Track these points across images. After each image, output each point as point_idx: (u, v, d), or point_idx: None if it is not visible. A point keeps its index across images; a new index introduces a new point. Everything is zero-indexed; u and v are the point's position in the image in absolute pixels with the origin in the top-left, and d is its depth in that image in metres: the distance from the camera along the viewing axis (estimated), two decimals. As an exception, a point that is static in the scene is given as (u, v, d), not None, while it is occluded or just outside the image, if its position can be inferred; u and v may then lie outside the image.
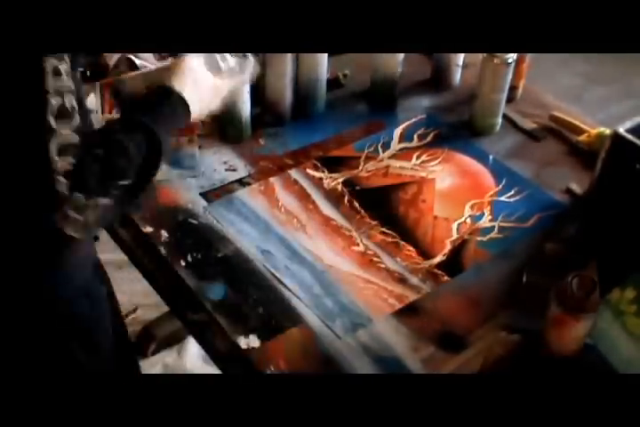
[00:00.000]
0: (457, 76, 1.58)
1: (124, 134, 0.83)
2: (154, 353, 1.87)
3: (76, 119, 0.74)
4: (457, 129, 1.48)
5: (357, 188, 1.33)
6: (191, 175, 1.33)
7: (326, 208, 1.29)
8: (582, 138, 1.43)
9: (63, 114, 0.72)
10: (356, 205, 1.30)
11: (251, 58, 1.06)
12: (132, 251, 1.27)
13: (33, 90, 0.69)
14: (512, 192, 1.34)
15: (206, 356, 1.64)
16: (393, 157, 1.40)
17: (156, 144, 0.85)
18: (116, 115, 1.35)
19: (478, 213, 1.30)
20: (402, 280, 1.17)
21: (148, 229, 1.22)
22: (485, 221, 1.28)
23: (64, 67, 0.74)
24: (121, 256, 1.27)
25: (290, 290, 1.14)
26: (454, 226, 1.27)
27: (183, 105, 0.95)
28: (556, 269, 1.08)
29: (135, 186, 0.85)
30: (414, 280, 1.17)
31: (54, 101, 0.71)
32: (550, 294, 1.02)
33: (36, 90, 0.70)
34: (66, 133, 0.73)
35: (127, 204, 0.86)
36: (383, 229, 1.26)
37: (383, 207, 1.30)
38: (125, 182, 0.83)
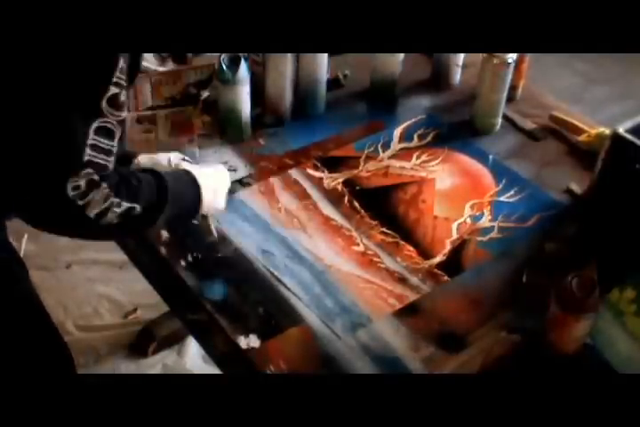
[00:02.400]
0: (457, 76, 1.58)
1: (143, 174, 1.02)
2: (154, 353, 1.87)
3: (125, 111, 0.88)
4: (457, 129, 1.47)
5: (357, 188, 1.33)
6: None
7: (326, 208, 1.29)
8: (582, 138, 1.43)
9: (113, 103, 0.85)
10: (356, 205, 1.30)
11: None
12: (132, 251, 1.27)
13: (103, 78, 0.84)
14: (512, 192, 1.34)
15: (206, 356, 1.65)
16: (393, 157, 1.40)
17: (163, 193, 1.00)
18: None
19: (478, 213, 1.30)
20: (402, 280, 1.17)
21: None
22: (485, 222, 1.28)
23: (124, 65, 0.87)
24: (121, 256, 1.28)
25: (290, 290, 1.14)
26: (454, 226, 1.27)
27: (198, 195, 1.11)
28: (555, 269, 1.08)
29: (141, 217, 0.98)
30: (414, 280, 1.17)
31: (111, 91, 0.84)
32: (550, 294, 1.03)
33: (106, 79, 0.84)
34: (111, 119, 0.86)
35: (131, 227, 0.99)
36: (383, 229, 1.26)
37: (383, 207, 1.30)
38: (131, 205, 0.95)
